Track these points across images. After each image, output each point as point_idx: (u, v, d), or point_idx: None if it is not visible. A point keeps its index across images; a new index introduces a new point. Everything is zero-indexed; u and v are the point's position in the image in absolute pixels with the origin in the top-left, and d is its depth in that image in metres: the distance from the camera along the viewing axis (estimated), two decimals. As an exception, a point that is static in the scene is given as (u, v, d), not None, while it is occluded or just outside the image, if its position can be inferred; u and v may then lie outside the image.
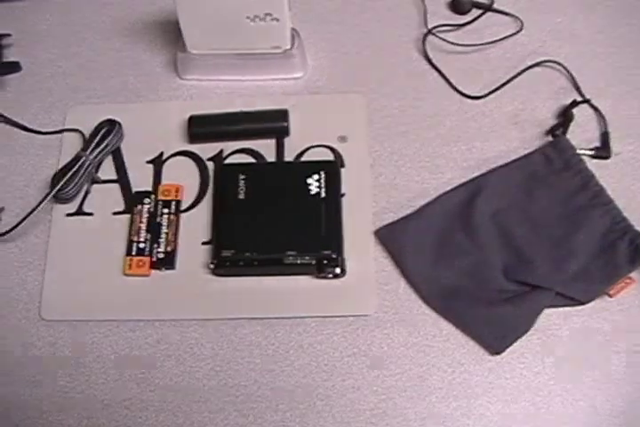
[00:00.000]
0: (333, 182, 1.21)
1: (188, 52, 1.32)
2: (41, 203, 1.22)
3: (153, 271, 1.20)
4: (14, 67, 1.40)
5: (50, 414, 1.15)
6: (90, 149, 1.27)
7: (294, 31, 1.31)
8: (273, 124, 1.29)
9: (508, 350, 1.13)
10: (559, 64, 1.34)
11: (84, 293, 1.20)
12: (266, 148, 1.29)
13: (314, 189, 1.20)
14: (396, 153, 1.28)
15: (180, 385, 1.15)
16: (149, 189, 1.27)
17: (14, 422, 1.14)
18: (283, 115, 1.28)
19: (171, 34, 1.40)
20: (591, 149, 1.26)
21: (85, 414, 1.15)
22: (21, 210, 1.26)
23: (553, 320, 1.15)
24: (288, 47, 1.31)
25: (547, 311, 1.15)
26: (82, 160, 1.26)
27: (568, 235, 1.18)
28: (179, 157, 1.30)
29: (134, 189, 1.27)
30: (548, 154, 1.24)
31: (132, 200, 1.26)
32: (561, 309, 1.16)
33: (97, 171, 1.29)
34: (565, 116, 1.28)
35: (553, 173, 1.23)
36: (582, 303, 1.16)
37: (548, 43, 1.38)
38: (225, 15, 1.24)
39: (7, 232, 1.23)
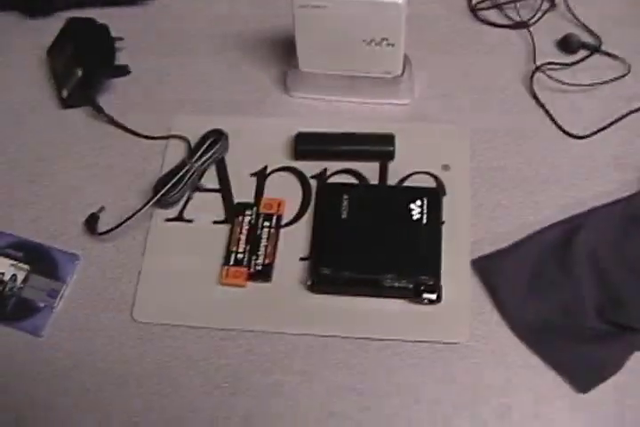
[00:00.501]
0: (435, 209, 1.22)
1: (300, 70, 1.34)
2: (145, 206, 1.25)
3: (249, 283, 1.22)
4: (124, 70, 1.44)
5: (134, 414, 1.16)
6: (196, 157, 1.29)
7: (406, 58, 1.33)
8: (379, 147, 1.31)
9: (597, 388, 1.13)
10: (664, 108, 1.34)
11: (178, 298, 1.22)
12: (369, 170, 1.30)
13: (415, 215, 1.21)
14: (497, 186, 1.29)
15: (266, 397, 1.16)
16: (251, 201, 1.28)
17: (98, 419, 1.15)
18: (389, 139, 1.30)
19: (282, 51, 1.43)
20: (691, 196, 1.25)
21: (169, 415, 1.15)
22: (120, 211, 1.28)
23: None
24: (399, 73, 1.32)
25: (638, 354, 1.14)
26: (187, 167, 1.28)
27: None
28: (282, 173, 1.32)
29: (236, 201, 1.29)
30: (648, 197, 1.24)
31: (234, 210, 1.27)
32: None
33: (200, 179, 1.31)
34: (667, 161, 1.28)
35: (652, 216, 1.23)
36: (673, 348, 1.15)
37: (655, 87, 1.38)
38: (341, 37, 1.26)
39: (107, 232, 1.26)
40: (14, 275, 1.23)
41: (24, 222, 1.30)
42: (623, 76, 1.39)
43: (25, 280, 1.23)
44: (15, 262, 1.24)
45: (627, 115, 1.35)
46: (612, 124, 1.34)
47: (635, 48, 1.43)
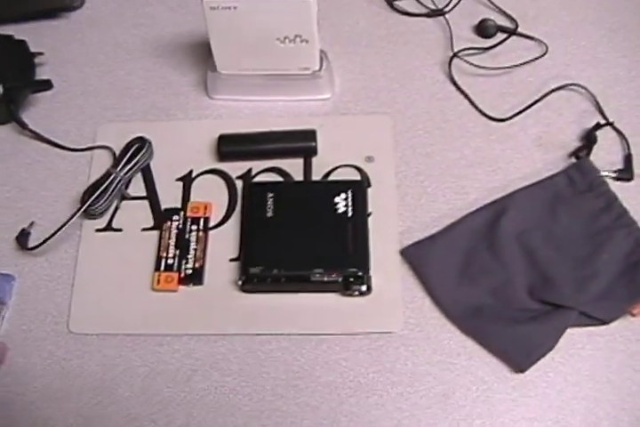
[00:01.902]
0: (360, 202, 1.23)
1: (218, 73, 1.35)
2: (71, 218, 1.25)
3: (181, 287, 1.22)
4: (46, 85, 1.42)
5: (76, 427, 1.16)
6: (120, 165, 1.29)
7: (323, 53, 1.33)
8: (301, 143, 1.31)
9: (532, 368, 1.14)
10: (583, 87, 1.36)
11: (113, 307, 1.22)
12: (294, 167, 1.31)
13: (341, 208, 1.22)
14: (422, 173, 1.30)
15: (206, 400, 1.16)
16: (179, 206, 1.29)
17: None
18: (311, 135, 1.31)
19: (200, 54, 1.43)
20: (614, 171, 1.27)
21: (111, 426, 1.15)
22: (51, 225, 1.27)
23: (576, 339, 1.16)
24: (317, 68, 1.33)
25: (570, 331, 1.16)
26: (112, 177, 1.28)
27: (591, 255, 1.19)
28: (208, 175, 1.32)
29: (163, 206, 1.29)
30: (571, 176, 1.26)
31: (161, 217, 1.28)
32: (584, 328, 1.17)
33: (127, 187, 1.31)
34: (589, 139, 1.30)
35: (577, 195, 1.25)
36: (605, 323, 1.17)
37: (572, 66, 1.40)
38: (255, 36, 1.27)
39: (37, 246, 1.25)
40: (-50, 302, 1.22)
41: (-47, 241, 1.29)
42: (541, 56, 1.40)
43: (-38, 306, 1.22)
44: (-48, 288, 1.23)
45: (546, 95, 1.36)
46: (531, 105, 1.35)
47: (551, 28, 1.44)
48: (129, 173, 1.30)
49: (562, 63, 1.40)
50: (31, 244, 1.27)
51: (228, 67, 1.33)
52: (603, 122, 1.32)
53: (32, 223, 1.30)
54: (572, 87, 1.37)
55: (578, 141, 1.32)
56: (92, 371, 1.19)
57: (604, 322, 1.16)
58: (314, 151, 1.30)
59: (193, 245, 1.24)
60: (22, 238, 1.28)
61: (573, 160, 1.29)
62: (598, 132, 1.31)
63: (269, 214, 1.22)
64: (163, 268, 1.23)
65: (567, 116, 1.35)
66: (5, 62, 1.42)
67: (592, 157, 1.28)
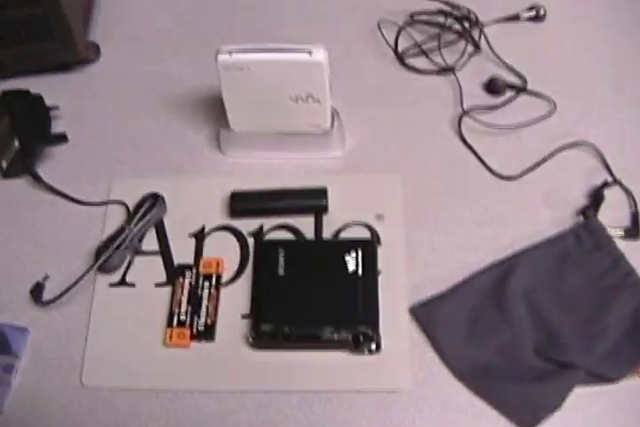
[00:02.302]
0: (370, 260, 1.25)
1: (231, 130, 1.37)
2: (85, 273, 1.27)
3: (193, 343, 1.23)
4: (61, 139, 1.45)
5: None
6: (134, 221, 1.32)
7: (334, 111, 1.36)
8: (312, 201, 1.33)
9: (540, 427, 1.15)
10: (590, 145, 1.38)
11: (125, 361, 1.23)
12: (305, 224, 1.33)
13: (351, 267, 1.24)
14: (431, 232, 1.32)
15: (216, 456, 1.17)
16: (191, 261, 1.31)
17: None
18: (322, 193, 1.33)
19: (214, 110, 1.46)
20: (622, 230, 1.29)
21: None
22: (65, 278, 1.29)
23: (583, 398, 1.16)
24: (328, 127, 1.35)
25: (577, 389, 1.16)
26: (126, 232, 1.30)
27: (599, 314, 1.21)
28: (220, 232, 1.34)
29: (176, 262, 1.31)
30: (579, 234, 1.28)
31: (174, 272, 1.29)
32: (591, 387, 1.17)
33: (140, 242, 1.33)
34: (596, 197, 1.32)
35: (584, 253, 1.26)
36: (612, 382, 1.17)
37: (580, 124, 1.42)
38: (268, 96, 1.29)
39: (52, 301, 1.27)
40: (-34, 355, 1.24)
41: (-30, 295, 1.31)
42: (549, 114, 1.42)
43: (-23, 359, 1.24)
44: (-35, 343, 1.25)
45: (554, 153, 1.38)
46: (540, 163, 1.37)
47: (559, 86, 1.46)
48: (143, 229, 1.32)
49: (570, 121, 1.43)
50: (45, 297, 1.28)
51: (241, 125, 1.36)
52: (610, 180, 1.33)
53: (46, 277, 1.31)
54: (579, 145, 1.39)
55: (586, 199, 1.33)
56: (103, 424, 1.20)
57: (611, 381, 1.17)
58: (325, 209, 1.32)
59: (205, 302, 1.26)
60: (36, 292, 1.30)
61: (581, 218, 1.31)
62: (606, 191, 1.32)
63: (281, 272, 1.24)
64: (175, 324, 1.24)
65: (575, 174, 1.36)
66: (22, 117, 1.44)
67: (600, 215, 1.30)
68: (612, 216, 1.30)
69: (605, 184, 1.33)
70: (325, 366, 1.20)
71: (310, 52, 1.23)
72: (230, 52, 1.24)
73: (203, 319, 1.24)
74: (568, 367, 1.17)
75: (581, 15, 1.57)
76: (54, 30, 1.47)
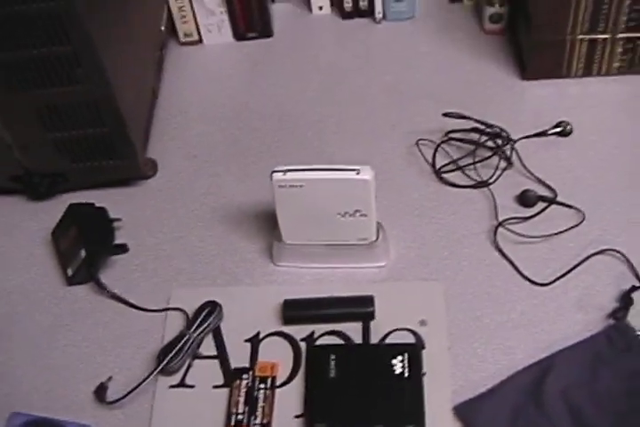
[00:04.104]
0: (415, 363, 1.33)
1: (284, 242, 1.47)
2: (149, 376, 1.35)
3: (251, 442, 1.31)
4: (123, 248, 1.55)
5: None
6: (193, 327, 1.40)
7: (379, 224, 1.46)
8: (360, 309, 1.42)
9: None
10: (618, 252, 1.46)
11: (186, 460, 1.30)
12: (353, 330, 1.41)
13: (398, 369, 1.32)
14: (472, 336, 1.39)
15: None
16: (247, 364, 1.38)
17: None
18: (369, 301, 1.42)
19: (265, 222, 1.56)
20: (650, 331, 1.35)
21: None
22: (127, 379, 1.38)
23: None
24: (374, 239, 1.45)
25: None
26: (186, 337, 1.39)
27: (633, 411, 1.27)
28: (274, 337, 1.42)
29: (233, 365, 1.39)
30: (610, 336, 1.35)
31: (231, 375, 1.37)
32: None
33: (199, 347, 1.41)
34: (626, 301, 1.39)
35: (616, 353, 1.33)
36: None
37: (608, 231, 1.50)
38: (318, 211, 1.40)
39: (116, 401, 1.35)
40: (34, 452, 1.32)
41: (38, 393, 1.40)
42: (579, 224, 1.51)
43: (44, 455, 1.31)
44: (34, 440, 1.32)
45: (584, 260, 1.46)
46: (571, 270, 1.45)
47: (587, 196, 1.56)
48: (202, 334, 1.41)
49: (598, 229, 1.51)
50: (109, 397, 1.36)
51: (293, 237, 1.46)
52: (638, 284, 1.41)
53: (110, 378, 1.39)
54: (608, 252, 1.47)
55: (615, 303, 1.40)
56: None
57: (645, 477, 1.22)
58: (372, 316, 1.41)
59: (261, 403, 1.33)
60: (100, 392, 1.37)
61: (612, 321, 1.38)
62: (634, 294, 1.39)
63: (332, 375, 1.32)
64: (233, 423, 1.31)
65: (605, 279, 1.44)
66: (88, 228, 1.56)
67: (629, 318, 1.37)
68: (641, 319, 1.37)
69: (634, 288, 1.40)
70: (374, 463, 1.27)
71: (358, 172, 1.34)
72: (284, 172, 1.35)
73: (259, 419, 1.31)
74: (606, 462, 1.22)
75: (605, 128, 1.68)
76: (118, 149, 1.59)
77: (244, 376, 1.36)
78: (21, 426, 1.33)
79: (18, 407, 1.37)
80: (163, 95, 1.85)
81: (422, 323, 1.41)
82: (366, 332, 1.41)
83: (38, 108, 1.50)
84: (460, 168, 1.63)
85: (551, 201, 1.55)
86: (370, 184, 1.35)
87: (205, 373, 1.39)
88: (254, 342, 1.42)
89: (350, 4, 1.95)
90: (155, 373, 1.35)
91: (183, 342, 1.38)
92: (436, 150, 1.65)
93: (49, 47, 1.39)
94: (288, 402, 1.34)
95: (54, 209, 1.62)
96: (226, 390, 1.36)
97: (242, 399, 1.34)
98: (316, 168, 1.35)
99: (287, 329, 1.43)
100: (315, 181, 1.35)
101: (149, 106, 1.77)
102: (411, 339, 1.39)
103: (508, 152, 1.62)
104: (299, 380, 1.37)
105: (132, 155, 1.61)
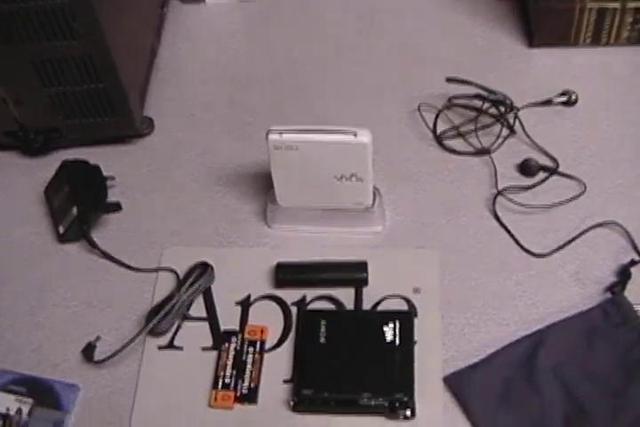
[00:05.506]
0: (407, 331, 1.31)
1: (278, 205, 1.45)
2: (137, 336, 1.33)
3: (236, 405, 1.29)
4: (116, 207, 1.53)
5: None
6: (184, 288, 1.39)
7: (376, 189, 1.43)
8: (353, 274, 1.40)
9: None
10: (619, 225, 1.44)
11: (172, 420, 1.29)
12: (346, 295, 1.40)
13: (389, 337, 1.30)
14: (466, 305, 1.37)
15: None
16: (236, 328, 1.37)
17: None
18: (362, 266, 1.40)
19: (261, 185, 1.54)
20: (648, 306, 1.33)
21: None
22: (115, 339, 1.37)
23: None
24: (370, 204, 1.43)
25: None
26: (176, 298, 1.37)
27: (626, 385, 1.25)
28: (265, 301, 1.41)
29: (222, 328, 1.38)
30: (607, 310, 1.33)
31: (220, 338, 1.36)
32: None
33: (189, 309, 1.40)
34: (624, 275, 1.38)
35: (611, 328, 1.31)
36: (639, 453, 1.21)
37: (609, 204, 1.48)
38: (314, 174, 1.37)
39: (103, 360, 1.34)
40: (20, 409, 1.30)
41: (26, 351, 1.39)
42: (579, 195, 1.49)
43: (30, 413, 1.30)
44: (19, 397, 1.31)
45: (583, 232, 1.44)
46: (570, 241, 1.43)
47: (589, 167, 1.53)
48: (192, 296, 1.39)
49: (599, 201, 1.49)
50: (97, 357, 1.35)
51: (288, 200, 1.44)
52: (637, 259, 1.39)
53: (98, 338, 1.38)
54: (608, 225, 1.45)
55: (613, 277, 1.39)
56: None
57: (638, 452, 1.21)
58: (365, 282, 1.39)
59: (249, 367, 1.32)
60: (88, 351, 1.36)
61: (609, 295, 1.36)
62: (633, 269, 1.38)
63: (322, 340, 1.31)
64: (220, 386, 1.30)
65: (604, 252, 1.42)
66: (81, 185, 1.53)
67: (626, 292, 1.35)
68: (639, 293, 1.35)
69: (632, 262, 1.39)
70: (361, 431, 1.26)
71: (355, 134, 1.31)
72: (280, 133, 1.33)
73: (246, 383, 1.30)
74: (596, 439, 1.21)
75: (610, 100, 1.65)
76: (114, 106, 1.56)
77: (233, 339, 1.35)
78: (8, 384, 1.33)
79: (4, 365, 1.36)
80: (162, 54, 1.82)
81: (416, 291, 1.39)
82: (359, 298, 1.39)
83: (34, 63, 1.47)
84: (461, 135, 1.61)
85: (552, 171, 1.53)
86: (367, 148, 1.32)
87: (194, 335, 1.38)
88: (245, 304, 1.40)
89: (358, -35, 1.90)
90: (143, 333, 1.34)
91: (173, 303, 1.37)
92: (437, 116, 1.62)
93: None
94: (277, 367, 1.33)
95: (49, 166, 1.60)
96: (214, 353, 1.35)
97: (230, 363, 1.33)
98: (313, 129, 1.33)
99: (279, 293, 1.41)
100: (311, 144, 1.33)
101: (148, 64, 1.74)
102: (404, 306, 1.38)
103: (511, 120, 1.60)
104: (288, 344, 1.35)
105: (127, 112, 1.58)
